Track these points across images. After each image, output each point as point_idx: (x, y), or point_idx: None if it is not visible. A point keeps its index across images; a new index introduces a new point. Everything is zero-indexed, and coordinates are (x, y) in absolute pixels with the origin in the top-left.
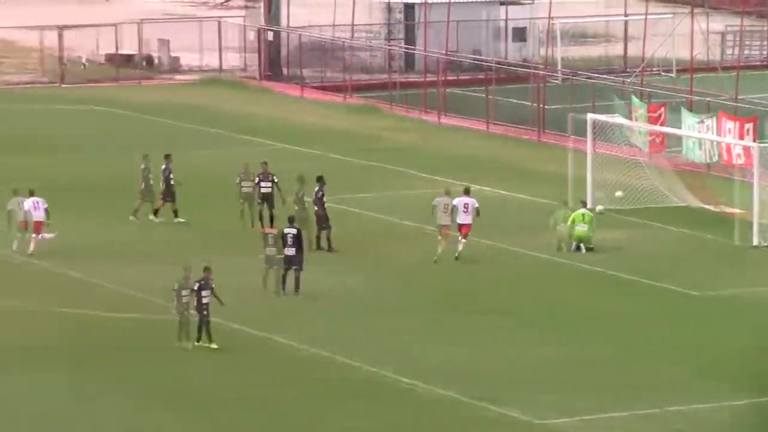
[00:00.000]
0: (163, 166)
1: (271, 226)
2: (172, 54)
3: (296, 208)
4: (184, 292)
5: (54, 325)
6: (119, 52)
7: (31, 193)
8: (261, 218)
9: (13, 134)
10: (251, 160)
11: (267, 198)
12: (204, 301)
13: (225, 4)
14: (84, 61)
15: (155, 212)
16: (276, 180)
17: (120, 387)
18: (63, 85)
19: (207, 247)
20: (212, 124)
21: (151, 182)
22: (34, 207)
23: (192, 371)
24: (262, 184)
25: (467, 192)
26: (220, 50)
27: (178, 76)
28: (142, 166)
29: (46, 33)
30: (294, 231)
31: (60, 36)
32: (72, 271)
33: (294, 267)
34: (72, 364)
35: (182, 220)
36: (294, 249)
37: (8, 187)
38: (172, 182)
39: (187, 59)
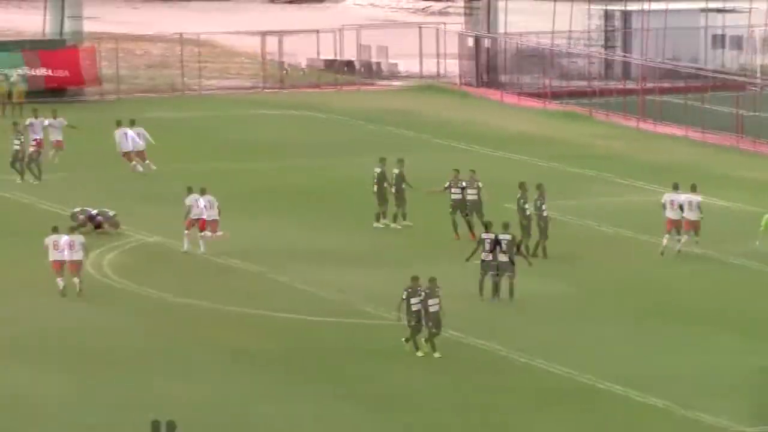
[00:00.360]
0: (396, 171)
1: (471, 233)
2: (390, 60)
3: (523, 216)
4: (413, 300)
5: (261, 328)
6: (338, 57)
7: (203, 192)
8: (469, 226)
9: (235, 139)
10: (461, 166)
11: (472, 205)
12: (431, 309)
13: (426, 9)
14: (303, 66)
15: (380, 216)
16: (481, 186)
17: (320, 388)
18: (282, 91)
19: (422, 253)
20: (415, 129)
21: (385, 186)
22: (209, 205)
23: (399, 375)
24: (469, 191)
25: (693, 189)
26: (421, 56)
27: (395, 82)
28: (378, 170)
29: (267, 38)
30: (508, 237)
31: (280, 42)
32: (281, 275)
33: (507, 273)
34: (276, 366)
35: (410, 224)
36: (506, 255)
37: (241, 192)
38: (403, 186)
39: (405, 65)
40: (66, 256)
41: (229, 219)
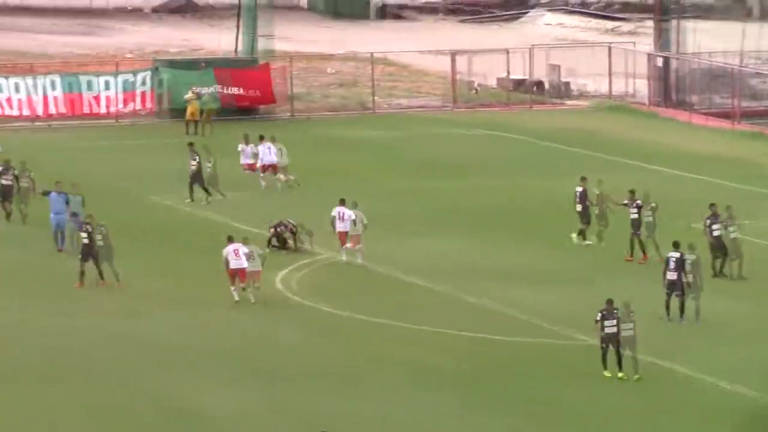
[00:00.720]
0: (579, 189)
1: (643, 253)
2: (563, 79)
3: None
4: (606, 323)
5: (443, 346)
6: (510, 76)
7: (342, 202)
8: (641, 244)
9: (424, 158)
10: (649, 187)
11: (646, 226)
12: (625, 334)
13: (615, 29)
14: (476, 85)
15: (580, 234)
16: (654, 206)
17: (503, 408)
18: (455, 109)
19: (607, 272)
20: (602, 150)
21: (587, 204)
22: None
23: (585, 395)
24: (645, 212)
25: None
26: (610, 75)
27: (569, 102)
28: (579, 189)
29: (441, 57)
30: (693, 257)
31: (469, 61)
32: (465, 294)
33: (692, 294)
34: (458, 385)
35: (590, 243)
36: (691, 276)
37: (429, 210)
38: (587, 204)
39: (578, 84)
40: (244, 264)
41: (415, 237)
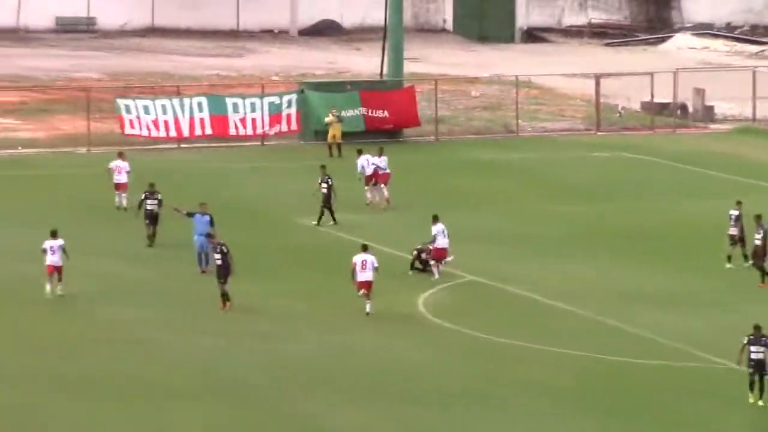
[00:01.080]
0: (735, 212)
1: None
2: (707, 103)
3: None
4: (752, 348)
5: (584, 369)
6: (655, 100)
7: (435, 219)
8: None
9: (568, 181)
10: None
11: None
12: (753, 357)
13: (759, 54)
14: (620, 109)
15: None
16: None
17: None
18: (598, 133)
19: (745, 297)
20: (743, 173)
21: (742, 226)
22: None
23: (730, 420)
24: (756, 235)
25: None
26: (754, 99)
27: (713, 125)
28: (735, 212)
29: (585, 80)
30: None
31: (597, 84)
32: (608, 318)
33: None
34: (599, 408)
35: (731, 267)
36: None
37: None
38: (742, 227)
39: (722, 108)
40: (370, 277)
41: (557, 260)
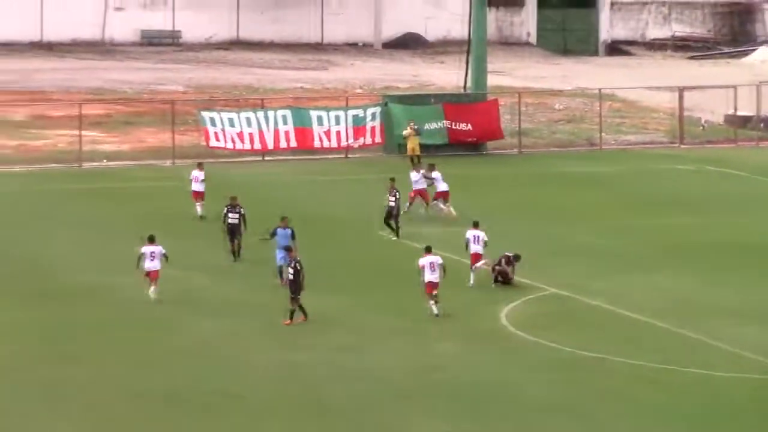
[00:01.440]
0: None
1: None
2: None
3: None
4: None
5: (669, 383)
6: (737, 113)
7: (476, 224)
8: None
9: (651, 194)
10: None
11: None
12: None
13: None
14: (703, 122)
15: None
16: None
17: None
18: (682, 146)
19: None
20: None
21: None
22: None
23: None
24: None
25: None
26: None
27: None
28: None
29: (668, 93)
30: None
31: (680, 97)
32: (693, 332)
33: None
34: (682, 423)
35: None
36: None
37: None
38: None
39: None
40: (436, 279)
41: (640, 273)
